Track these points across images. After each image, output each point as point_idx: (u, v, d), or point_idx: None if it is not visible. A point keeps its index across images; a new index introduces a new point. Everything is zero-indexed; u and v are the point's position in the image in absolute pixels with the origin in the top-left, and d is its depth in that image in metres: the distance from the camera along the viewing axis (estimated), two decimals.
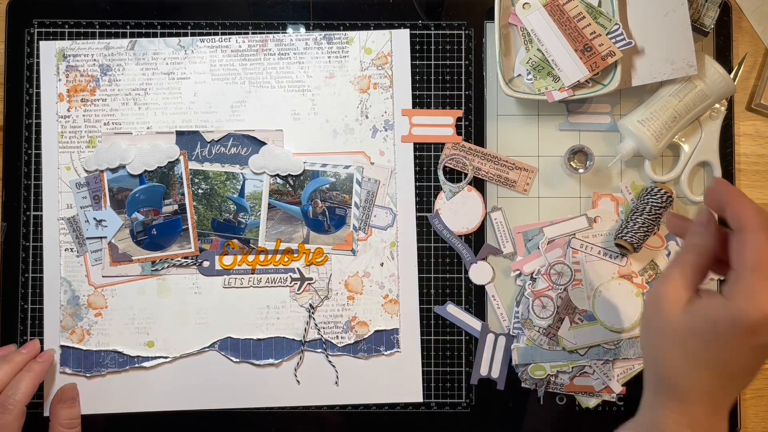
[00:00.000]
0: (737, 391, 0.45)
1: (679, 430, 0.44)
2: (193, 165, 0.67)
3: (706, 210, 0.45)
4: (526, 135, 0.68)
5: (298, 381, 0.67)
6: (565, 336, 0.66)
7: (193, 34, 0.68)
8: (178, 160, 0.66)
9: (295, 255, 0.67)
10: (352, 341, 0.67)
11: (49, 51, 0.67)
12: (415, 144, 0.67)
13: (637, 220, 0.64)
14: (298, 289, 0.67)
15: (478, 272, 0.67)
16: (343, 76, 0.67)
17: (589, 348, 0.67)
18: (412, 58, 0.68)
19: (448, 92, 0.68)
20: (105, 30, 0.68)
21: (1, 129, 0.68)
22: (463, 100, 0.68)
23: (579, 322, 0.67)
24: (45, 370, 0.64)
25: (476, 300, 0.68)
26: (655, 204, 0.64)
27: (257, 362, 0.67)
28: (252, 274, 0.67)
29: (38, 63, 0.67)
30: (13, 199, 0.67)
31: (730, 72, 0.68)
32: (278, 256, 0.67)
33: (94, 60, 0.67)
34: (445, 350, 0.67)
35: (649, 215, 0.64)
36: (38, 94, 0.67)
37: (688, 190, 0.67)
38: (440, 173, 0.67)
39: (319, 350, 0.67)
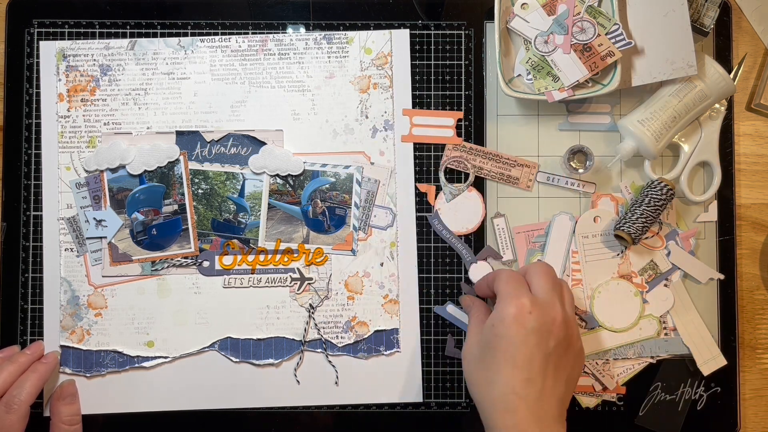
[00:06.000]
0: (542, 385, 0.53)
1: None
2: (193, 165, 0.67)
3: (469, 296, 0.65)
4: (526, 135, 0.68)
5: (298, 381, 0.67)
6: None
7: (193, 34, 0.68)
8: (178, 160, 0.67)
9: (295, 255, 0.67)
10: (352, 341, 0.67)
11: (49, 51, 0.67)
12: (415, 144, 0.67)
13: (636, 211, 0.64)
14: (298, 289, 0.67)
15: (478, 272, 0.67)
16: (343, 76, 0.67)
17: (590, 355, 0.67)
18: (412, 58, 0.68)
19: (448, 92, 0.68)
20: (105, 30, 0.68)
21: (1, 129, 0.68)
22: (463, 100, 0.68)
23: (580, 324, 0.67)
24: (50, 371, 0.64)
25: None
26: (654, 196, 0.64)
27: (257, 362, 0.67)
28: (252, 274, 0.67)
29: (38, 63, 0.67)
30: (13, 199, 0.67)
31: (729, 72, 0.68)
32: (278, 256, 0.67)
33: (94, 60, 0.67)
34: (446, 350, 0.67)
35: (648, 206, 0.64)
36: (38, 94, 0.67)
37: (688, 190, 0.67)
38: (441, 175, 0.67)
39: (319, 350, 0.67)
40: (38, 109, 0.67)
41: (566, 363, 0.56)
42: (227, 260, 0.67)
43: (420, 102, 0.68)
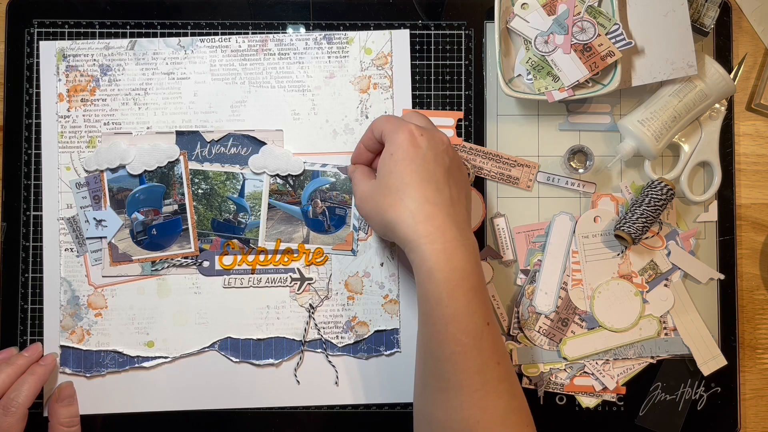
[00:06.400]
0: (433, 195, 0.55)
1: (426, 244, 0.53)
2: (193, 165, 0.67)
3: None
4: (526, 135, 0.68)
5: (298, 381, 0.67)
6: (567, 348, 0.66)
7: (193, 34, 0.68)
8: (178, 160, 0.66)
9: (295, 255, 0.67)
10: (352, 341, 0.67)
11: (49, 51, 0.67)
12: None
13: (636, 211, 0.64)
14: (298, 289, 0.67)
15: None
16: (343, 76, 0.67)
17: (590, 355, 0.67)
18: (412, 58, 0.68)
19: (448, 92, 0.68)
20: (105, 30, 0.68)
21: (1, 129, 0.67)
22: (463, 100, 0.68)
23: (580, 323, 0.67)
24: (48, 373, 0.64)
25: None
26: (654, 196, 0.64)
27: (257, 362, 0.67)
28: (252, 274, 0.67)
29: (38, 63, 0.67)
30: (13, 199, 0.67)
31: (730, 72, 0.68)
32: (278, 256, 0.67)
33: (94, 60, 0.67)
34: None
35: (648, 206, 0.64)
36: (38, 94, 0.67)
37: (689, 190, 0.67)
38: None
39: (319, 350, 0.67)
40: (38, 109, 0.67)
41: (462, 180, 0.58)
42: (227, 260, 0.67)
43: (420, 102, 0.68)
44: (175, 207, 0.67)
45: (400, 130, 0.56)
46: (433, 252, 0.53)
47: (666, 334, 0.67)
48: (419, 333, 0.56)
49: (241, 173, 0.67)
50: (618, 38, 0.63)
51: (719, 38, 0.69)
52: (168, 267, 0.67)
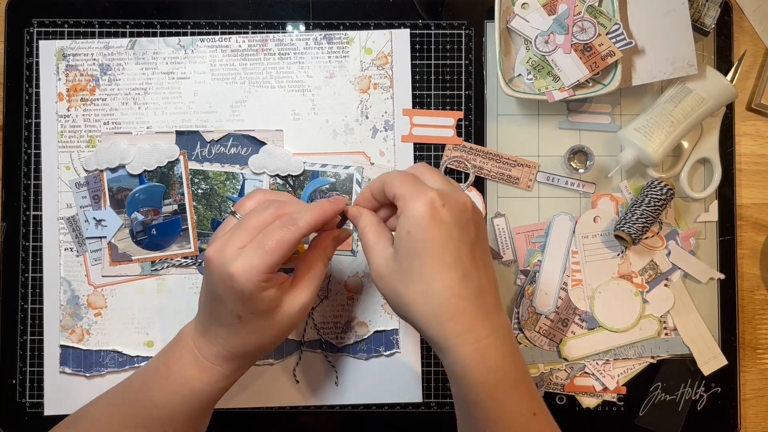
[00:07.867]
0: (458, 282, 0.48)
1: (457, 347, 0.47)
2: (193, 165, 0.67)
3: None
4: (526, 135, 0.68)
5: (297, 380, 0.67)
6: (567, 348, 0.66)
7: (192, 34, 0.68)
8: (177, 159, 0.66)
9: (295, 255, 0.67)
10: (351, 342, 0.67)
11: (48, 50, 0.67)
12: (415, 144, 0.67)
13: (636, 211, 0.64)
14: None
15: None
16: (343, 76, 0.67)
17: (590, 356, 0.67)
18: (412, 58, 0.68)
19: (448, 92, 0.68)
20: (105, 29, 0.67)
21: (0, 129, 0.67)
22: (463, 100, 0.68)
23: (580, 324, 0.67)
24: (337, 242, 0.56)
25: None
26: (654, 196, 0.64)
27: (256, 362, 0.66)
28: None
29: (38, 62, 0.67)
30: (13, 199, 0.67)
31: (729, 70, 0.68)
32: None
33: (94, 59, 0.67)
34: None
35: (648, 207, 0.64)
36: (38, 94, 0.67)
37: (688, 187, 0.67)
38: None
39: (318, 350, 0.67)
40: (38, 109, 0.67)
41: (487, 252, 0.51)
42: None
43: (420, 102, 0.68)
44: (175, 207, 0.67)
45: (418, 199, 0.47)
46: (465, 355, 0.47)
47: (666, 334, 0.67)
48: (460, 430, 0.52)
49: (241, 173, 0.67)
50: (618, 38, 0.63)
51: (720, 38, 0.69)
52: (168, 267, 0.67)
